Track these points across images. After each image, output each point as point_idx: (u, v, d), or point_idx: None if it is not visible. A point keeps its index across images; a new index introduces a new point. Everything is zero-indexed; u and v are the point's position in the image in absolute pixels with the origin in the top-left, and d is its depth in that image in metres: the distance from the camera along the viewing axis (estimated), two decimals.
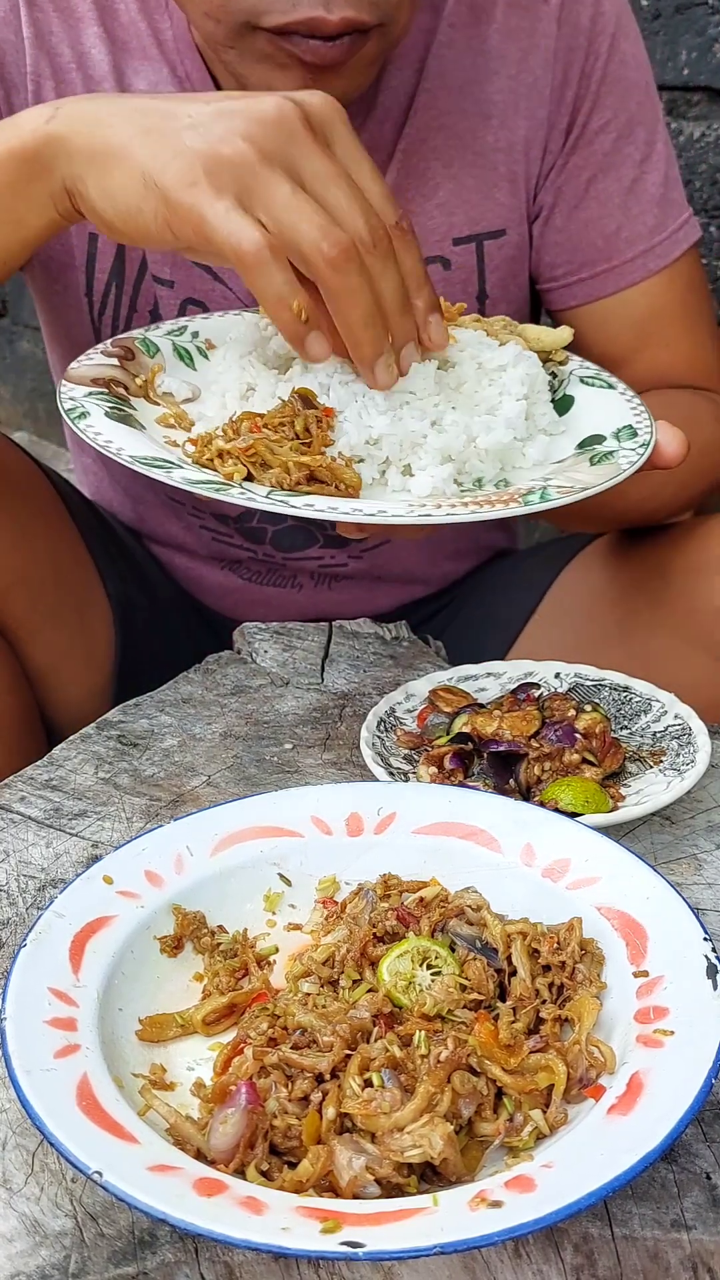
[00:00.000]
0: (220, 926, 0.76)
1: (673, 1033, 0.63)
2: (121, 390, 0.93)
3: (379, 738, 0.93)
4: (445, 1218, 0.55)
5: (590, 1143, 0.59)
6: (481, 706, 0.96)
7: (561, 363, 1.02)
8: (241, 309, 1.11)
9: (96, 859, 0.82)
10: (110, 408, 0.90)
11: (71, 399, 0.89)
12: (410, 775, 0.90)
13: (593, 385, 1.01)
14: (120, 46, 1.12)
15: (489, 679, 1.01)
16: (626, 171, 1.19)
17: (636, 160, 1.19)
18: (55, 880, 0.82)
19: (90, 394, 0.91)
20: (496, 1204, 0.55)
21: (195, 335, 1.04)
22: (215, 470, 0.85)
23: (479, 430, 0.89)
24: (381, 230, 0.83)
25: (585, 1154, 0.58)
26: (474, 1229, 0.54)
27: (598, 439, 0.93)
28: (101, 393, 0.92)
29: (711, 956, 0.67)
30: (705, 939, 0.68)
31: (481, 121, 1.16)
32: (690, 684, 1.05)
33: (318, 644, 1.12)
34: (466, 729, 0.93)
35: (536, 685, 0.98)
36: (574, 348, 1.22)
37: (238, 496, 0.81)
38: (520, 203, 1.19)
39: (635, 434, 0.92)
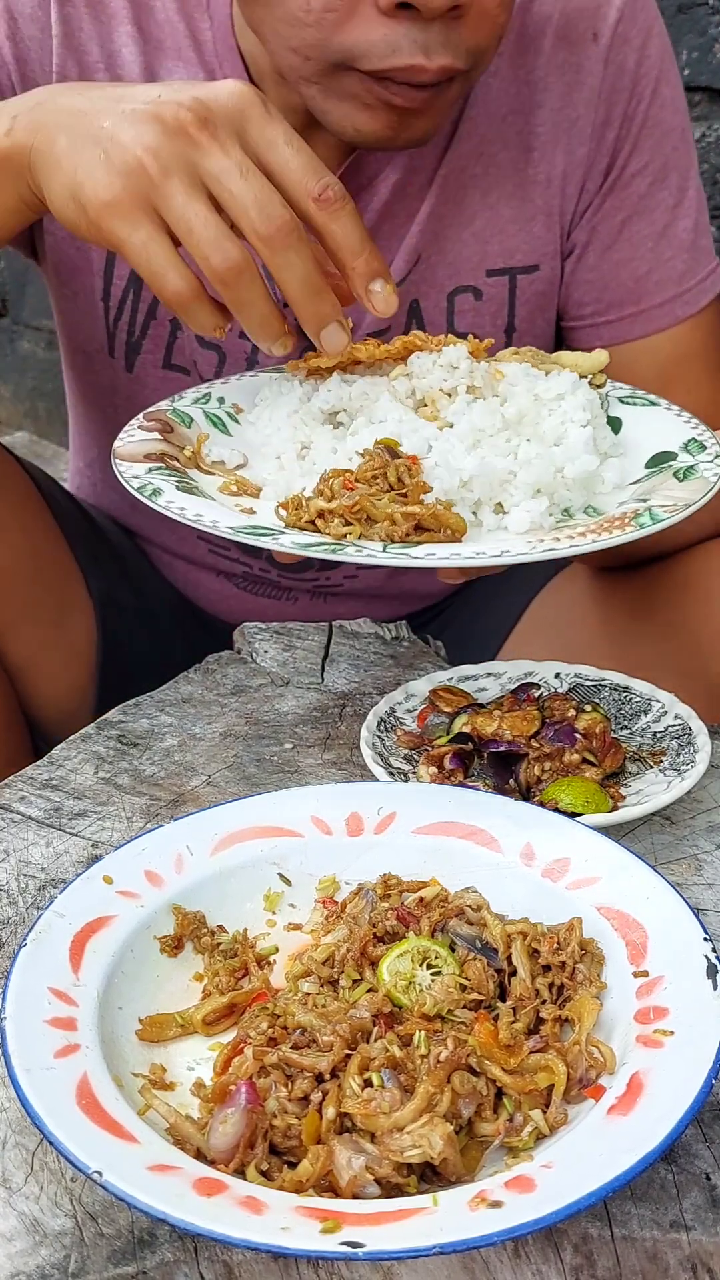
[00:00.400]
0: (220, 926, 0.76)
1: (673, 1033, 0.63)
2: (175, 463, 0.94)
3: (379, 738, 0.93)
4: (445, 1218, 0.55)
5: (590, 1143, 0.59)
6: (481, 706, 0.96)
7: (600, 385, 1.03)
8: (258, 369, 1.11)
9: (96, 859, 0.82)
10: (177, 482, 0.90)
11: (137, 477, 0.89)
12: (410, 775, 0.90)
13: (634, 404, 1.02)
14: (154, 45, 1.12)
15: (489, 679, 1.01)
16: (659, 216, 1.19)
17: (670, 205, 1.19)
18: (55, 880, 0.82)
19: (151, 470, 0.91)
20: (496, 1204, 0.55)
21: (222, 401, 1.05)
22: (317, 531, 0.85)
23: (562, 460, 0.89)
24: (284, 218, 0.85)
25: (585, 1154, 0.58)
26: (474, 1229, 0.54)
27: (668, 455, 0.94)
28: (159, 467, 0.92)
29: (711, 956, 0.67)
30: (705, 939, 0.68)
31: (522, 153, 1.16)
32: (675, 691, 1.05)
33: (318, 644, 1.12)
34: (466, 729, 0.93)
35: (536, 685, 0.98)
36: None
37: (355, 555, 0.81)
38: (554, 237, 1.19)
39: (704, 447, 0.93)
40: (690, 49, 1.75)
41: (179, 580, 1.42)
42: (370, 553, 0.82)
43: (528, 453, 0.89)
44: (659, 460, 0.93)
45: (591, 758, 0.90)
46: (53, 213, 0.91)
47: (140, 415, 1.00)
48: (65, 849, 0.85)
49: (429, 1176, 0.61)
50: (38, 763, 0.95)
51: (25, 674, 1.25)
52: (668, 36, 1.19)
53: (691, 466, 0.90)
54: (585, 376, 1.01)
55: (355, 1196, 0.59)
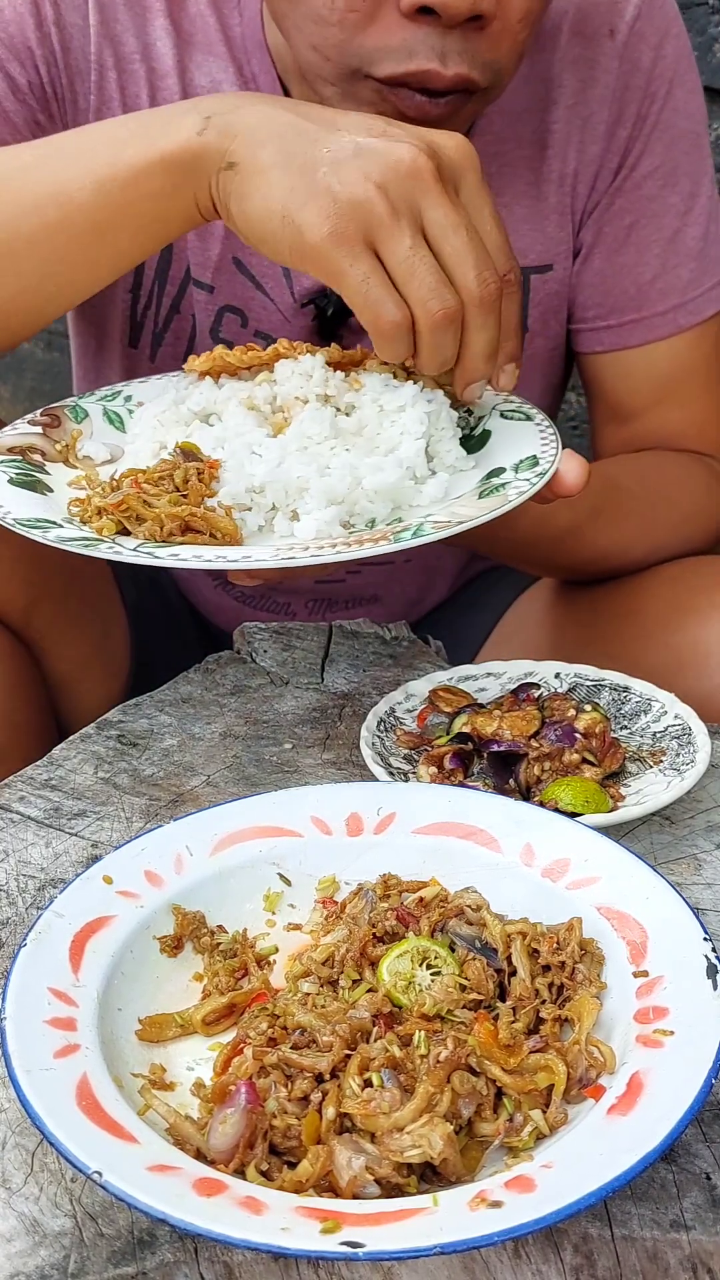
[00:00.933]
0: (220, 926, 0.76)
1: (673, 1033, 0.63)
2: (38, 457, 0.97)
3: (379, 738, 0.93)
4: (445, 1218, 0.55)
5: (590, 1143, 0.59)
6: (481, 706, 0.96)
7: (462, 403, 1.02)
8: (177, 373, 1.09)
9: (96, 859, 0.82)
10: (17, 473, 0.94)
11: None
12: (410, 775, 0.90)
13: (512, 418, 1.00)
14: (185, 39, 1.11)
15: (489, 679, 1.01)
16: (668, 221, 1.17)
17: (680, 211, 1.17)
18: (55, 880, 0.82)
19: (3, 461, 0.95)
20: (496, 1204, 0.55)
21: (128, 399, 1.06)
22: (91, 527, 0.88)
23: (367, 471, 0.89)
24: (492, 285, 0.86)
25: (585, 1154, 0.58)
26: (474, 1229, 0.54)
27: (499, 471, 0.93)
28: (15, 460, 0.96)
29: (711, 956, 0.67)
30: (705, 939, 0.68)
31: (537, 151, 1.15)
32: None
33: (318, 644, 1.12)
34: (466, 729, 0.93)
35: (536, 685, 0.98)
36: (592, 394, 1.23)
37: (105, 551, 0.83)
38: (567, 236, 1.18)
39: (536, 463, 0.92)
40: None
41: (183, 589, 1.42)
42: (118, 549, 0.83)
43: (337, 462, 0.90)
44: (490, 477, 0.93)
45: (591, 758, 0.90)
46: (238, 225, 0.89)
47: (38, 410, 1.03)
48: (65, 849, 0.85)
49: (429, 1176, 0.61)
50: (37, 763, 0.95)
51: (68, 688, 1.22)
52: (687, 41, 1.18)
53: (503, 484, 0.89)
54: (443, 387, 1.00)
55: (355, 1196, 0.59)
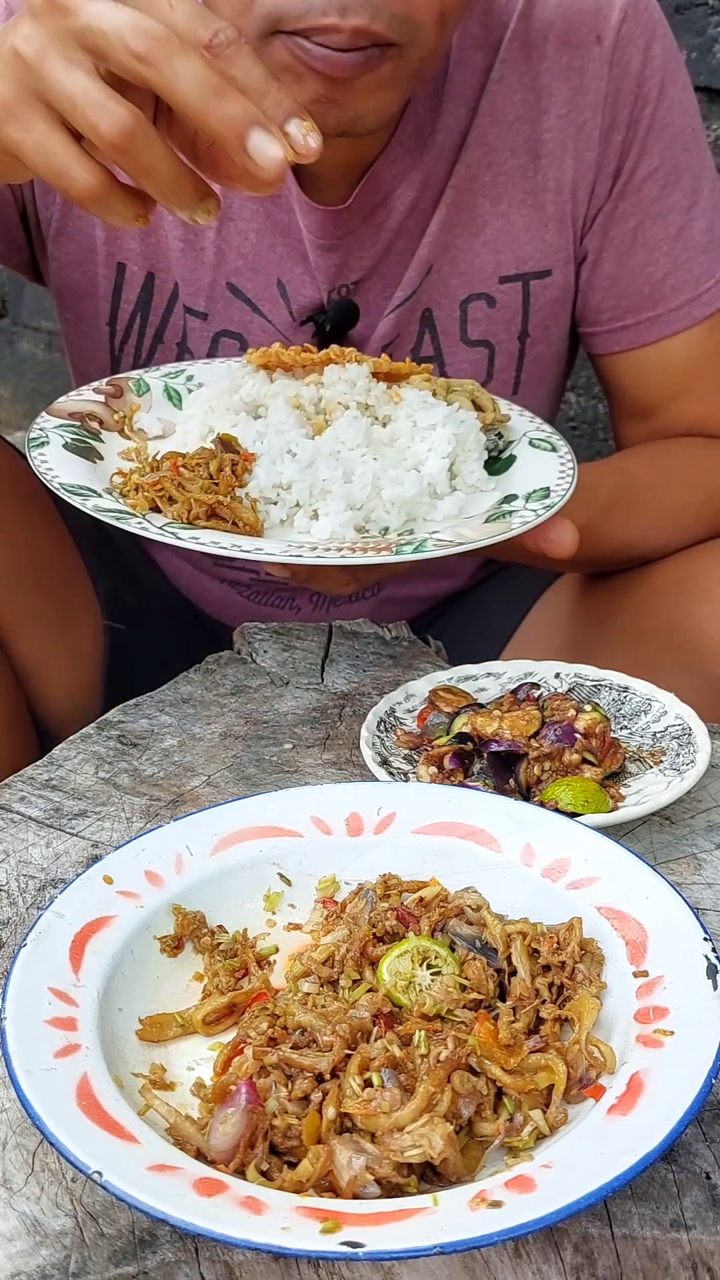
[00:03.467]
0: (220, 926, 0.76)
1: (673, 1033, 0.63)
2: (95, 424, 1.01)
3: (379, 738, 0.93)
4: (445, 1218, 0.55)
5: (590, 1143, 0.59)
6: (481, 706, 0.96)
7: (490, 426, 1.06)
8: (239, 357, 1.14)
9: (96, 859, 0.82)
10: (73, 439, 0.97)
11: (40, 428, 0.97)
12: (410, 775, 0.90)
13: (539, 447, 1.04)
14: None
15: (489, 679, 1.01)
16: (674, 219, 1.18)
17: (684, 208, 1.18)
18: (55, 880, 0.82)
19: (60, 425, 0.98)
20: (496, 1204, 0.55)
21: (190, 378, 1.10)
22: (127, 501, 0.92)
23: (387, 482, 0.93)
24: (158, 31, 0.73)
25: (585, 1154, 0.58)
26: (474, 1229, 0.54)
27: (511, 498, 0.97)
28: (74, 425, 0.99)
29: (711, 956, 0.67)
30: (705, 939, 0.68)
31: (530, 160, 1.16)
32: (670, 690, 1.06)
33: (318, 644, 1.12)
34: (466, 729, 0.93)
35: (536, 685, 0.98)
36: (611, 393, 1.26)
37: (134, 526, 0.87)
38: (567, 243, 1.19)
39: (547, 494, 0.96)
40: (690, 49, 1.75)
41: (185, 587, 1.42)
42: (145, 526, 0.88)
43: (361, 470, 0.94)
44: (506, 501, 0.97)
45: (591, 758, 0.90)
46: None
47: (105, 379, 1.05)
48: (65, 849, 0.85)
49: (429, 1176, 0.61)
50: (37, 763, 0.95)
51: (33, 674, 1.25)
52: (673, 39, 1.19)
53: (511, 511, 0.94)
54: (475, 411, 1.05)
55: (355, 1196, 0.59)
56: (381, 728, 0.95)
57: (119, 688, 1.25)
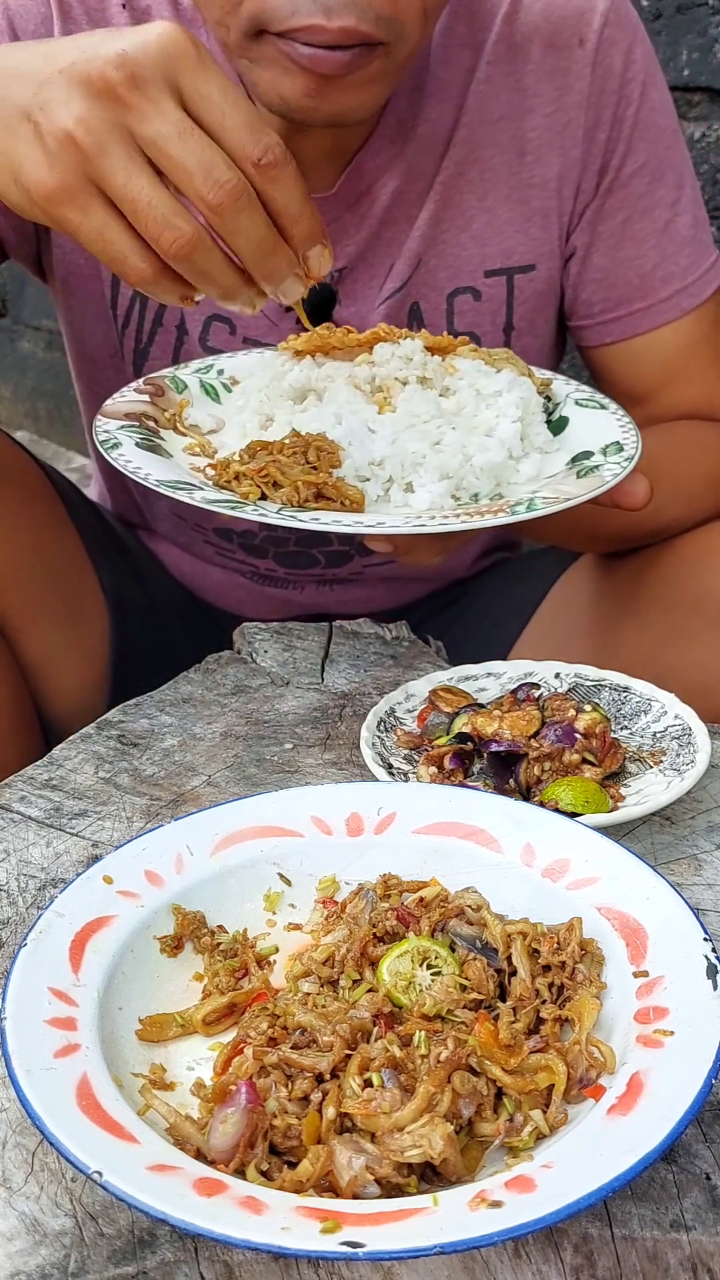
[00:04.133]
0: (220, 926, 0.76)
1: (673, 1033, 0.63)
2: (152, 423, 1.02)
3: (379, 738, 0.93)
4: (445, 1218, 0.55)
5: (590, 1143, 0.58)
6: (481, 706, 0.96)
7: (543, 391, 1.09)
8: (263, 348, 1.17)
9: (96, 859, 0.82)
10: (141, 438, 0.98)
11: (106, 431, 0.98)
12: (410, 775, 0.90)
13: (586, 406, 1.08)
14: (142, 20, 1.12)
15: (489, 679, 1.01)
16: (660, 213, 1.22)
17: (669, 202, 1.22)
18: (55, 880, 0.82)
19: (123, 427, 0.99)
20: (496, 1204, 0.55)
21: (221, 373, 1.12)
22: (233, 491, 0.93)
23: (475, 449, 0.96)
24: (228, 185, 0.80)
25: (585, 1154, 0.58)
26: (474, 1229, 0.54)
27: (587, 455, 1.00)
28: (134, 425, 1.00)
29: (711, 956, 0.67)
30: (705, 939, 0.68)
31: (516, 158, 1.18)
32: (698, 662, 1.06)
33: (318, 644, 1.12)
34: (466, 729, 0.93)
35: (536, 685, 0.98)
36: (603, 384, 1.30)
37: (251, 513, 0.88)
38: (552, 238, 1.21)
39: (621, 449, 0.99)
40: (690, 49, 1.75)
41: (187, 577, 1.42)
42: (263, 512, 0.89)
43: (447, 440, 0.96)
44: (580, 459, 0.99)
45: (591, 758, 0.90)
46: None
47: (140, 379, 1.06)
48: (65, 849, 0.85)
49: (429, 1176, 0.61)
50: (38, 763, 0.95)
51: (40, 671, 1.25)
52: (650, 43, 1.22)
53: (596, 466, 0.97)
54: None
55: (355, 1196, 0.59)
56: (381, 728, 0.95)
57: (126, 684, 1.25)
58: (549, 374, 1.12)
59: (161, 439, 1.00)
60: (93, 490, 1.50)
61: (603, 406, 1.07)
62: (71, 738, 0.98)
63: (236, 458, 0.95)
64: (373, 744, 0.92)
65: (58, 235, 1.20)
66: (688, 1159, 0.63)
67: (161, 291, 0.84)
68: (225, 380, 1.11)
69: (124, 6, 1.12)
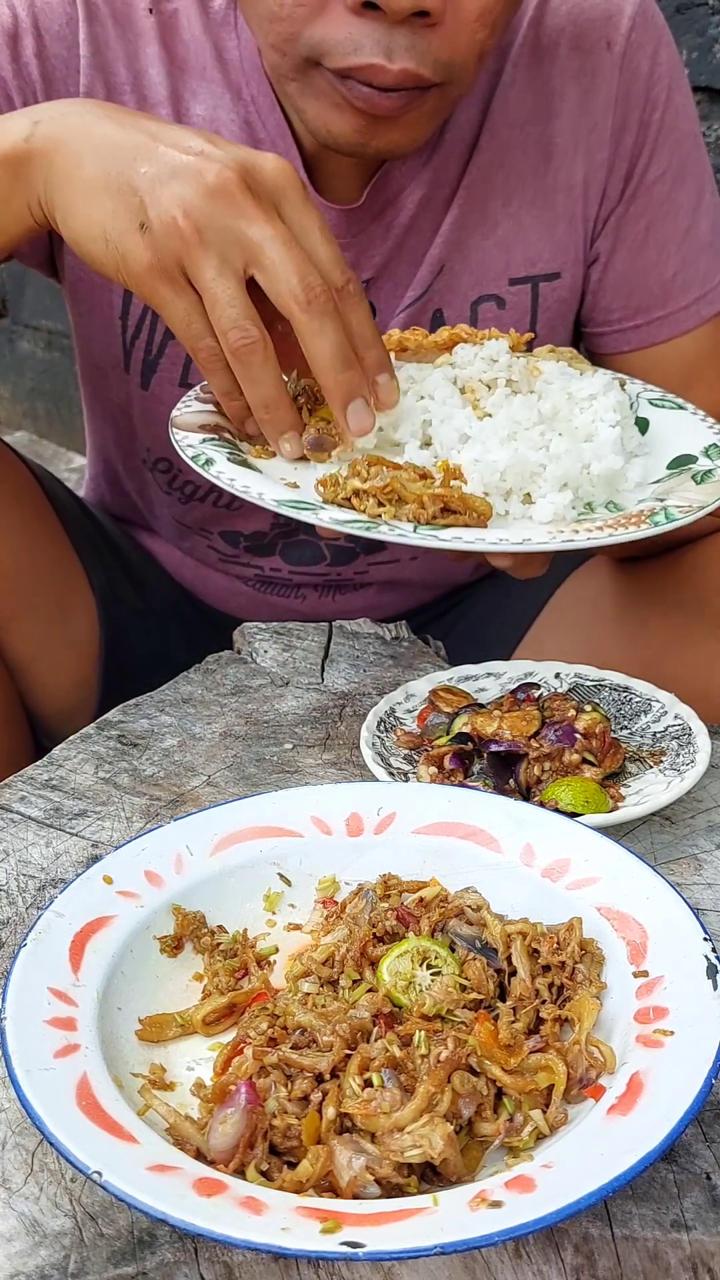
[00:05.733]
0: (220, 926, 0.76)
1: (673, 1033, 0.63)
2: (227, 435, 0.98)
3: (379, 738, 0.93)
4: (445, 1218, 0.55)
5: (590, 1143, 0.58)
6: (481, 706, 0.96)
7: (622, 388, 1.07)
8: None
9: (96, 859, 0.82)
10: (229, 453, 0.94)
11: (191, 445, 0.94)
12: (410, 775, 0.90)
13: (662, 407, 1.05)
14: (179, 66, 1.11)
15: (489, 679, 1.01)
16: (682, 219, 1.21)
17: (690, 208, 1.21)
18: (55, 880, 0.82)
19: (205, 440, 0.95)
20: (496, 1204, 0.55)
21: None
22: (353, 509, 0.89)
23: (589, 456, 0.93)
24: (317, 289, 0.86)
25: (585, 1154, 0.58)
26: (474, 1229, 0.53)
27: (689, 459, 0.97)
28: (214, 439, 0.96)
29: (711, 956, 0.67)
30: (705, 939, 0.68)
31: (542, 161, 1.18)
32: (700, 666, 1.06)
33: (318, 644, 1.12)
34: (466, 729, 0.93)
35: (536, 685, 0.98)
36: None
37: (388, 533, 0.85)
38: (577, 243, 1.20)
39: None
40: (690, 49, 1.75)
41: (188, 580, 1.42)
42: (401, 532, 0.85)
43: (558, 447, 0.92)
44: (680, 462, 0.97)
45: (591, 758, 0.90)
46: (68, 239, 0.91)
47: (198, 386, 1.03)
48: (65, 849, 0.85)
49: (429, 1176, 0.61)
50: (38, 763, 0.95)
51: (27, 670, 1.25)
52: (674, 45, 1.21)
53: (710, 471, 0.94)
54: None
55: (355, 1196, 0.59)
56: (381, 728, 0.95)
57: (122, 685, 1.25)
58: (620, 375, 1.09)
59: (242, 452, 0.96)
60: (88, 490, 1.49)
61: (680, 407, 1.05)
62: (71, 738, 0.98)
63: (344, 473, 0.90)
64: (373, 744, 0.92)
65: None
66: (688, 1159, 0.63)
67: (219, 374, 0.90)
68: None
69: (150, 11, 1.11)
